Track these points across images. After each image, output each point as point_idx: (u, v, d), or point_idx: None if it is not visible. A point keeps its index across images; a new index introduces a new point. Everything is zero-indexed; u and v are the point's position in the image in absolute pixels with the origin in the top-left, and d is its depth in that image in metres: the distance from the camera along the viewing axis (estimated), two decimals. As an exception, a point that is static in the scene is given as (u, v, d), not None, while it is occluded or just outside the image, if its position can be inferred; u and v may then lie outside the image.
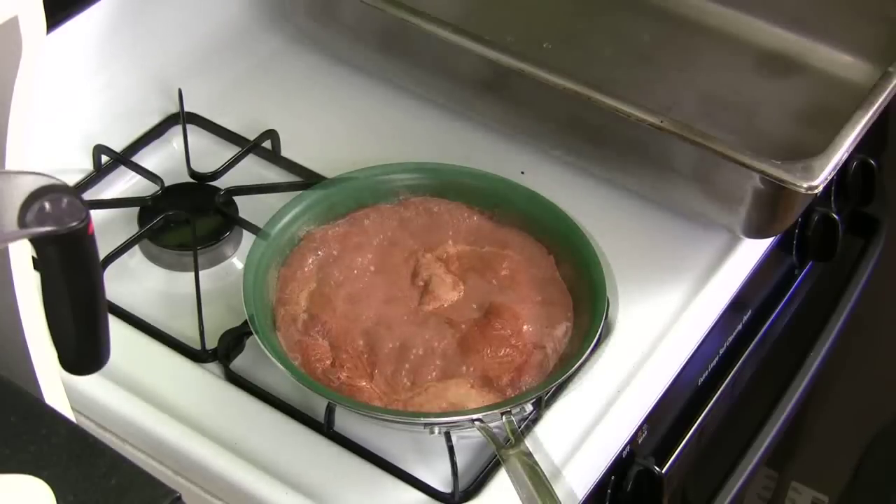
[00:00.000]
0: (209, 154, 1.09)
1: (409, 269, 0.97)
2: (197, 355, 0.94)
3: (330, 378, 0.89)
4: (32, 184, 0.61)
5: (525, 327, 0.92)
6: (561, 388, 0.92)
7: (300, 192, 1.01)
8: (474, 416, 0.85)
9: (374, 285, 0.95)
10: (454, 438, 0.86)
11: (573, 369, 0.88)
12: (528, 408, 0.87)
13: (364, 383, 0.89)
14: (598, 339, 0.91)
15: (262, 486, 0.86)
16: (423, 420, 0.86)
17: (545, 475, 0.82)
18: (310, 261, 0.96)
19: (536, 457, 0.84)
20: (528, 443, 0.86)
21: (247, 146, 1.09)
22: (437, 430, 0.86)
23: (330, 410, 0.89)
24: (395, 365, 0.90)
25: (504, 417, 0.85)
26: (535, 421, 0.90)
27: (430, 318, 0.94)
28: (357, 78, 1.18)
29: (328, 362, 0.90)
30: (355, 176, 1.02)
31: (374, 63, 1.16)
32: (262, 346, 0.88)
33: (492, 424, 0.85)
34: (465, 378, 0.89)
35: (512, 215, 1.00)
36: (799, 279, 1.21)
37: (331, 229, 0.98)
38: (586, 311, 0.93)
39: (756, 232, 1.04)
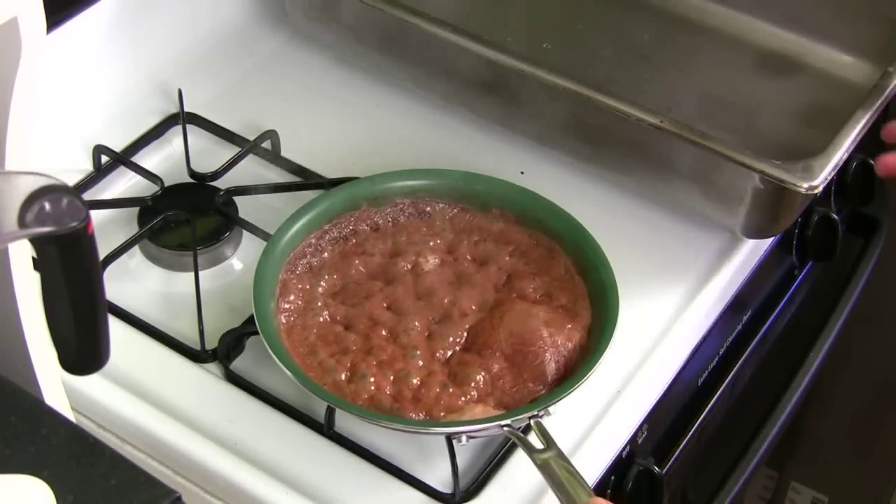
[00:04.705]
0: (209, 154, 1.10)
1: (410, 273, 0.96)
2: (197, 355, 0.94)
3: (338, 386, 0.89)
4: (32, 184, 0.61)
5: (528, 326, 0.92)
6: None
7: (315, 193, 1.01)
8: (503, 423, 0.84)
9: (375, 289, 0.95)
10: (464, 439, 0.87)
11: (596, 366, 0.88)
12: (552, 410, 0.87)
13: (370, 389, 0.89)
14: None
15: (261, 486, 0.86)
16: (448, 430, 0.86)
17: (582, 477, 0.81)
18: (308, 266, 0.96)
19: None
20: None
21: (247, 146, 1.09)
22: (464, 438, 0.86)
23: (330, 411, 0.89)
24: (397, 368, 0.90)
25: (532, 421, 0.85)
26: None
27: (431, 320, 0.93)
28: (357, 78, 1.18)
29: (331, 367, 0.90)
30: (360, 182, 1.01)
31: (373, 63, 1.16)
32: (273, 355, 0.88)
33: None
34: (473, 381, 0.89)
35: (511, 215, 1.00)
36: (799, 279, 1.21)
37: (329, 233, 0.98)
38: (594, 308, 0.93)
39: (756, 232, 1.04)
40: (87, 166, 1.07)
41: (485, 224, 1.00)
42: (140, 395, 0.91)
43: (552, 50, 1.21)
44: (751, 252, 1.07)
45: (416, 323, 0.92)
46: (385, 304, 0.94)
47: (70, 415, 0.78)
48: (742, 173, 0.97)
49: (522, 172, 1.08)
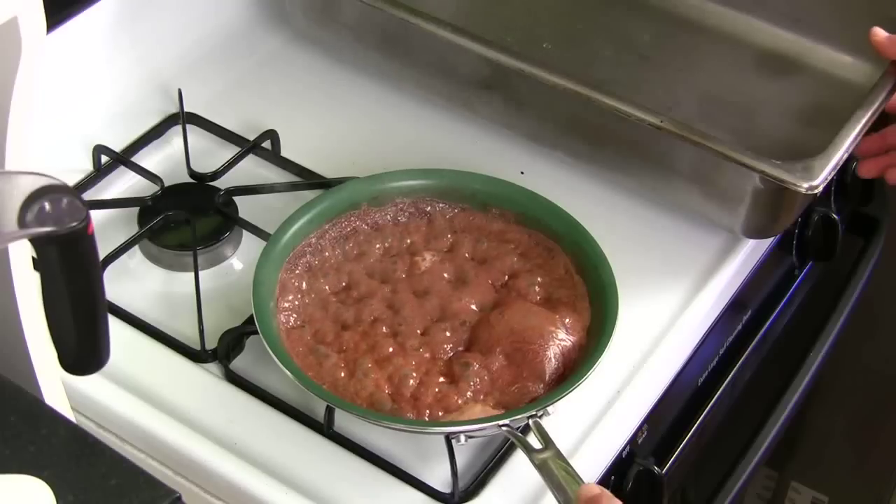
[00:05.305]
0: (209, 154, 1.10)
1: (409, 272, 0.96)
2: (197, 355, 0.94)
3: (338, 385, 0.89)
4: (32, 184, 0.61)
5: (528, 325, 0.91)
6: (561, 389, 0.92)
7: (315, 193, 1.01)
8: (501, 423, 0.84)
9: (375, 289, 0.95)
10: (463, 439, 0.87)
11: (595, 366, 0.88)
12: (551, 409, 0.87)
13: (370, 388, 0.89)
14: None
15: (261, 486, 0.86)
16: (447, 430, 0.86)
17: (580, 477, 0.81)
18: (308, 266, 0.96)
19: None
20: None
21: (247, 146, 1.09)
22: (462, 438, 0.86)
23: (330, 411, 0.89)
24: (396, 368, 0.90)
25: (531, 421, 0.85)
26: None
27: (431, 320, 0.93)
28: (357, 78, 1.18)
29: (331, 367, 0.90)
30: (360, 181, 1.01)
31: (373, 63, 1.16)
32: (272, 355, 0.88)
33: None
34: (472, 381, 0.89)
35: (510, 215, 1.00)
36: (799, 279, 1.21)
37: (329, 233, 0.98)
38: (593, 307, 0.93)
39: (756, 232, 1.04)
40: (87, 166, 1.07)
41: (485, 224, 1.00)
42: (140, 395, 0.91)
43: (552, 50, 1.21)
44: (751, 252, 1.07)
45: (416, 322, 0.93)
46: (385, 304, 0.94)
47: (70, 415, 0.78)
48: (742, 173, 0.97)
49: (522, 172, 1.08)
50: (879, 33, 1.05)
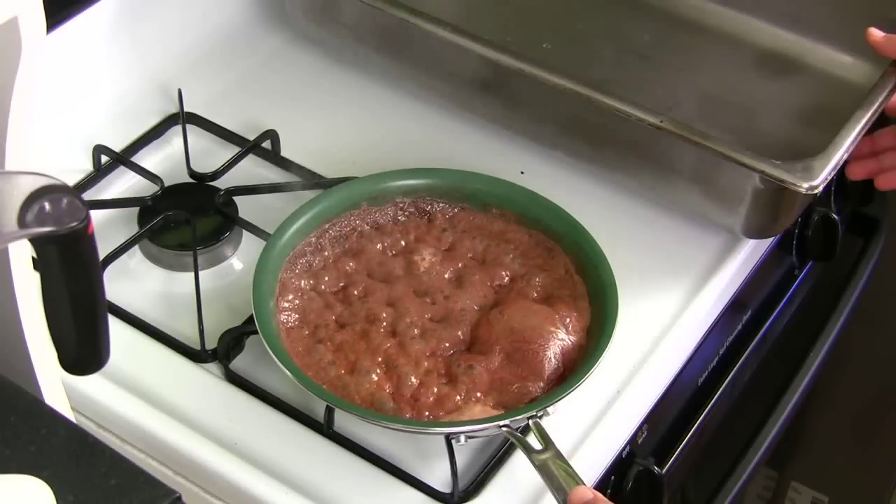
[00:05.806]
0: (209, 154, 1.10)
1: (409, 272, 0.96)
2: (197, 355, 0.94)
3: (337, 385, 0.89)
4: (32, 184, 0.61)
5: (528, 325, 0.91)
6: (561, 389, 0.92)
7: (315, 193, 1.01)
8: (501, 423, 0.84)
9: (375, 289, 0.95)
10: (463, 439, 0.87)
11: (595, 366, 0.88)
12: (551, 410, 0.87)
13: (369, 388, 0.89)
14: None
15: (261, 486, 0.86)
16: (447, 430, 0.86)
17: (580, 478, 0.81)
18: (308, 265, 0.96)
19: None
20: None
21: (247, 146, 1.09)
22: (462, 438, 0.86)
23: (329, 411, 0.89)
24: (396, 368, 0.90)
25: (531, 421, 0.85)
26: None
27: (431, 319, 0.93)
28: (357, 78, 1.18)
29: (330, 367, 0.90)
30: (360, 181, 1.01)
31: (373, 63, 1.16)
32: (272, 354, 0.88)
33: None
34: (472, 380, 0.89)
35: (511, 215, 1.00)
36: (799, 279, 1.21)
37: (329, 232, 0.98)
38: (593, 307, 0.93)
39: (756, 232, 1.04)
40: (87, 166, 1.07)
41: (485, 224, 1.00)
42: (140, 395, 0.91)
43: (552, 50, 1.21)
44: (751, 252, 1.07)
45: (416, 322, 0.92)
46: (384, 304, 0.94)
47: (70, 415, 0.78)
48: (742, 173, 0.97)
49: (522, 172, 1.08)
50: (876, 33, 1.06)
